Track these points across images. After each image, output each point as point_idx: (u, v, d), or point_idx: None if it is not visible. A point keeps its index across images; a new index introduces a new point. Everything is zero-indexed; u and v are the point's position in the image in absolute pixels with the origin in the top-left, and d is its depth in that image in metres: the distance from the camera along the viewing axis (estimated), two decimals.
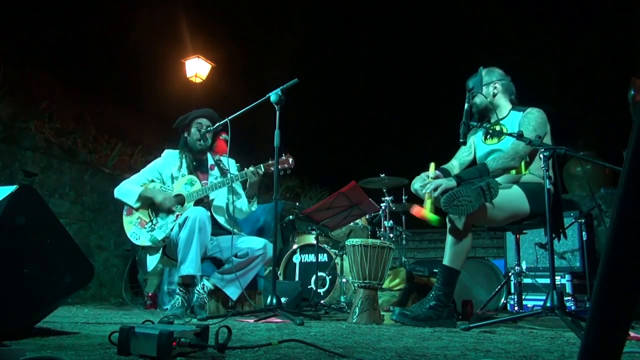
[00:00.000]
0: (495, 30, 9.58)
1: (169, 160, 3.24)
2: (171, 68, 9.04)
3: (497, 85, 2.94)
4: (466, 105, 2.62)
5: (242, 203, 3.24)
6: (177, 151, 3.28)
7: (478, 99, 2.92)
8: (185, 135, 3.28)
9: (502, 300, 4.17)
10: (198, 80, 8.69)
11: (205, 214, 2.87)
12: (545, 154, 2.39)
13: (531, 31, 9.43)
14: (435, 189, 2.54)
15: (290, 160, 3.04)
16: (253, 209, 3.24)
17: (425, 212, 2.56)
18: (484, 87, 2.94)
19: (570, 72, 8.84)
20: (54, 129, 5.21)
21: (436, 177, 2.71)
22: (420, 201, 2.70)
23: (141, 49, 8.64)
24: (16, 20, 7.12)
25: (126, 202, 3.05)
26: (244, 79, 9.71)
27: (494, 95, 2.94)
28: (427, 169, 2.80)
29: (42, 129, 5.04)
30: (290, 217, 5.02)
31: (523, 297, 3.83)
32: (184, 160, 3.23)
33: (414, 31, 10.88)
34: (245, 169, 3.08)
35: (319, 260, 4.25)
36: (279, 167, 2.98)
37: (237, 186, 3.26)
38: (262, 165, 3.06)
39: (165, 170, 3.20)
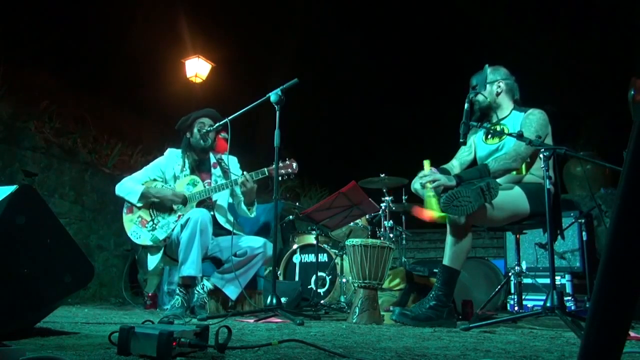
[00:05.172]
0: (495, 30, 9.58)
1: (172, 160, 3.23)
2: (171, 68, 9.03)
3: (501, 84, 2.91)
4: (466, 105, 2.61)
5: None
6: (180, 150, 3.27)
7: (481, 97, 2.90)
8: (188, 135, 3.27)
9: (502, 300, 4.17)
10: (198, 80, 8.68)
11: (207, 216, 2.87)
12: (545, 153, 2.39)
13: (531, 31, 9.43)
14: (432, 181, 2.53)
15: (294, 165, 3.03)
16: (252, 215, 3.23)
17: (434, 213, 2.55)
18: (487, 85, 2.91)
19: (570, 72, 8.84)
20: (54, 129, 5.21)
21: None
22: (421, 202, 2.68)
23: (141, 49, 8.62)
24: (16, 20, 7.12)
25: (128, 200, 3.03)
26: (244, 79, 9.70)
27: (497, 94, 2.91)
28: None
29: (42, 129, 5.03)
30: (290, 217, 5.02)
31: (523, 297, 3.82)
32: (186, 160, 3.23)
33: (415, 31, 10.88)
34: (246, 173, 3.07)
35: (319, 260, 4.25)
36: (282, 171, 2.99)
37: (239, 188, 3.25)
38: (265, 169, 3.05)
39: (168, 170, 3.19)
